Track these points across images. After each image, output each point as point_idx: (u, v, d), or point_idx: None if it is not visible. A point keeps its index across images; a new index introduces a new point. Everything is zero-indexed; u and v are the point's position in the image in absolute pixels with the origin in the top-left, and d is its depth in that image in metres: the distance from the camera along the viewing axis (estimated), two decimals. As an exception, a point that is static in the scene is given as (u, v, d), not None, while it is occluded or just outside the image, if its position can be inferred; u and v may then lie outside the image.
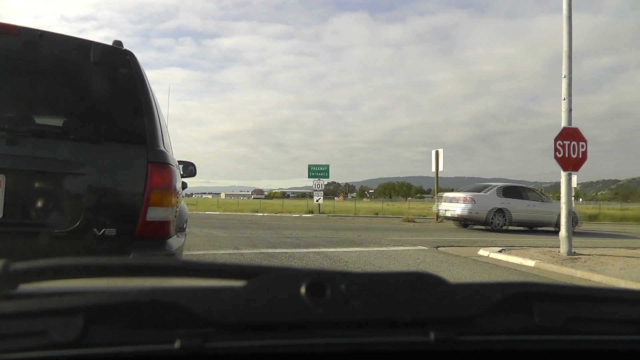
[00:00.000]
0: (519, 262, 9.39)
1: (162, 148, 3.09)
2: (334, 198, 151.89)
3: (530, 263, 9.14)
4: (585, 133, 10.15)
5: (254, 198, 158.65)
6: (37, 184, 2.82)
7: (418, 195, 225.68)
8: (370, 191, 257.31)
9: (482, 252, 10.69)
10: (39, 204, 2.81)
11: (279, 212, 35.59)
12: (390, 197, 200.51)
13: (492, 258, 10.10)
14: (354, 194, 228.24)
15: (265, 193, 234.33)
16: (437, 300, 0.84)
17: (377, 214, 35.34)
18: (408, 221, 24.38)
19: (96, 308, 0.77)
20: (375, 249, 10.97)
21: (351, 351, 0.80)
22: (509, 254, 10.11)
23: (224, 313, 0.77)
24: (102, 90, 3.05)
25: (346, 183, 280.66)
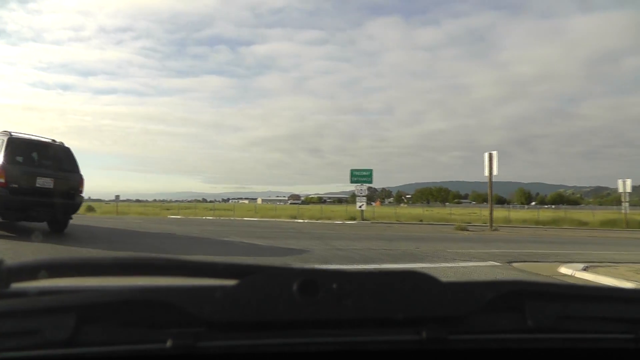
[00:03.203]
0: (613, 284, 7.69)
1: None
2: (370, 203, 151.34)
3: (629, 284, 7.59)
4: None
5: (290, 203, 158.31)
6: None
7: (455, 200, 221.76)
8: (407, 196, 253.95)
9: (565, 269, 9.21)
10: None
11: (319, 219, 34.19)
12: (428, 203, 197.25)
13: (578, 278, 8.48)
14: (391, 199, 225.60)
15: (302, 198, 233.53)
16: (429, 299, 0.85)
17: (421, 220, 33.62)
18: (461, 229, 22.57)
19: (88, 307, 0.79)
20: (443, 265, 9.47)
21: (343, 350, 0.81)
22: (596, 272, 8.62)
23: (216, 312, 0.78)
24: None
25: (382, 188, 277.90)
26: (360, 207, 30.99)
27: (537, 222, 32.07)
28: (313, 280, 0.82)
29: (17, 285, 0.86)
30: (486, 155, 23.58)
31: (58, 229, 12.08)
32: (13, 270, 0.85)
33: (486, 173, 23.59)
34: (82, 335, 0.75)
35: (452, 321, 0.85)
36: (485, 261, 10.22)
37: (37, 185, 10.84)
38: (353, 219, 31.78)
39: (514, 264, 9.95)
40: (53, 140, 12.00)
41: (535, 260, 10.75)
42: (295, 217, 38.92)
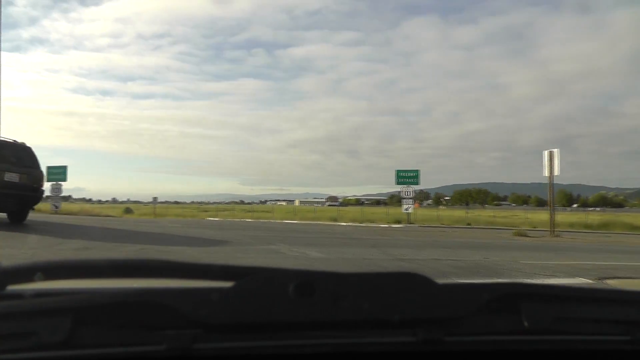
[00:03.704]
0: None
1: None
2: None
3: None
4: None
5: (328, 205, 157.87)
6: None
7: (495, 202, 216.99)
8: (445, 198, 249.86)
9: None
10: None
11: (361, 222, 32.84)
12: (467, 205, 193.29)
13: None
14: (429, 201, 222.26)
15: (339, 200, 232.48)
16: (425, 300, 0.86)
17: (469, 224, 31.92)
18: (520, 235, 20.79)
19: (85, 309, 0.79)
20: (526, 281, 7.91)
21: (339, 352, 0.82)
22: None
23: (212, 314, 0.79)
24: None
25: (420, 190, 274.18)
26: (406, 209, 29.48)
27: (586, 226, 30.04)
28: (309, 282, 0.82)
29: (13, 287, 0.87)
30: (546, 153, 21.71)
31: (18, 220, 13.20)
32: (9, 272, 0.86)
33: (545, 173, 21.73)
34: (78, 337, 0.76)
35: (448, 323, 0.85)
36: (573, 277, 8.61)
37: (6, 179, 12.04)
38: (398, 222, 30.32)
39: (609, 281, 8.36)
40: (15, 140, 13.13)
41: (630, 276, 9.13)
42: (335, 220, 38.01)
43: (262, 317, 0.80)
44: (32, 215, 14.65)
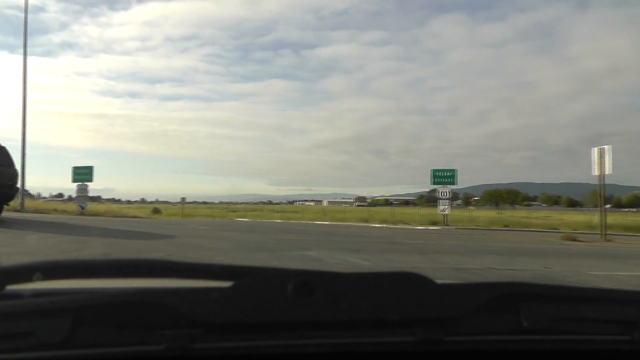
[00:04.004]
0: None
1: None
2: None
3: None
4: None
5: (356, 205, 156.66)
6: None
7: (525, 202, 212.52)
8: (474, 198, 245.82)
9: None
10: None
11: (393, 223, 31.68)
12: (497, 205, 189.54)
13: None
14: (459, 201, 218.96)
15: (368, 200, 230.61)
16: (423, 300, 0.86)
17: (507, 226, 30.41)
18: (570, 239, 19.36)
19: (84, 309, 0.79)
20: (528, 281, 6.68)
21: (338, 351, 0.82)
22: None
23: (211, 313, 0.79)
24: None
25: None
26: (442, 210, 28.18)
27: (626, 228, 28.29)
28: (308, 281, 0.83)
29: (12, 287, 0.87)
30: (595, 150, 20.25)
31: None
32: (8, 272, 0.86)
33: (595, 172, 20.27)
34: (77, 337, 0.76)
35: (447, 322, 0.86)
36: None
37: None
38: (434, 223, 29.04)
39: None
40: None
41: None
42: (366, 221, 36.89)
43: (261, 317, 0.80)
44: (53, 216, 13.97)
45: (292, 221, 35.27)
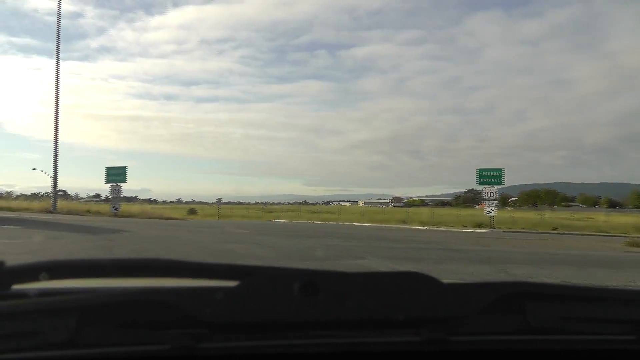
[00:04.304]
0: None
1: None
2: (474, 206, 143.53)
3: None
4: None
5: (393, 206, 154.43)
6: None
7: (563, 203, 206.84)
8: (512, 199, 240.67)
9: None
10: None
11: (437, 225, 30.38)
12: (535, 206, 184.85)
13: None
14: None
15: (404, 201, 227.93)
16: (429, 300, 0.86)
17: (555, 229, 28.69)
18: (634, 245, 17.78)
19: (89, 308, 0.79)
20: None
21: (343, 351, 0.82)
22: None
23: (217, 313, 0.79)
24: None
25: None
26: (489, 212, 26.75)
27: None
28: (314, 281, 0.83)
29: (17, 287, 0.87)
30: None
31: None
32: (14, 271, 0.86)
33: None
34: (83, 336, 0.76)
35: (453, 322, 0.85)
36: None
37: None
38: (478, 225, 27.62)
39: None
40: None
41: None
42: (406, 222, 35.66)
43: (266, 317, 0.80)
44: (84, 218, 13.27)
45: (331, 223, 34.31)
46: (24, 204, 27.87)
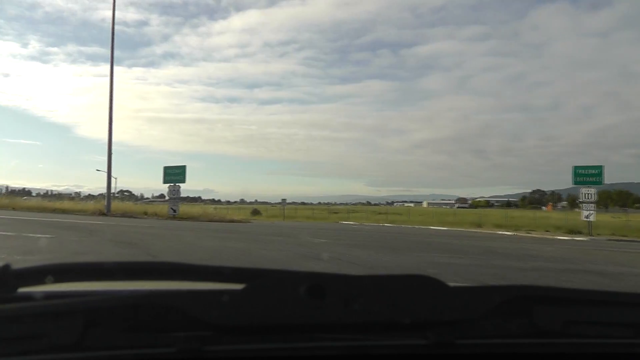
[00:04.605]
0: None
1: None
2: (541, 207, 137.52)
3: None
4: None
5: (457, 207, 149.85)
6: None
7: (636, 205, 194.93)
8: (579, 200, 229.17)
9: None
10: None
11: (514, 229, 27.39)
12: (607, 208, 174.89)
13: None
14: (564, 203, 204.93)
15: (469, 201, 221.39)
16: (436, 303, 0.86)
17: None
18: None
19: (95, 311, 0.79)
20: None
21: (350, 354, 0.82)
22: None
23: (223, 316, 0.79)
24: None
25: (551, 191, 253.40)
26: (587, 217, 23.43)
27: None
28: (320, 284, 0.82)
29: (23, 290, 0.87)
30: None
31: None
32: (20, 274, 0.86)
33: None
34: (89, 339, 0.76)
35: (459, 325, 0.85)
36: None
37: None
38: (571, 231, 24.40)
39: None
40: None
41: None
42: (479, 226, 33.21)
43: (273, 320, 0.80)
44: (137, 221, 11.44)
45: (405, 226, 32.00)
46: (78, 205, 27.00)
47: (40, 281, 0.87)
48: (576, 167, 24.21)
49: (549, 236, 22.57)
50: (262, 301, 0.81)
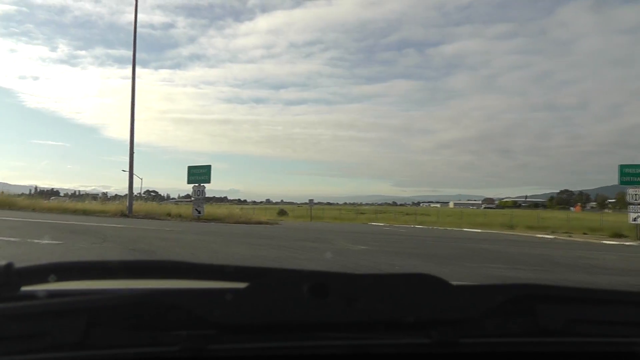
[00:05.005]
0: None
1: None
2: (569, 208, 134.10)
3: None
4: None
5: (484, 207, 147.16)
6: None
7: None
8: (609, 201, 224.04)
9: None
10: None
11: (550, 231, 26.01)
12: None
13: None
14: (593, 204, 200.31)
15: (496, 202, 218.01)
16: (439, 302, 0.86)
17: None
18: None
19: (98, 310, 0.80)
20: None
21: (353, 353, 0.82)
22: None
23: (226, 314, 0.79)
24: None
25: (579, 191, 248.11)
26: (635, 219, 21.95)
27: None
28: (323, 283, 0.82)
29: (26, 288, 0.87)
30: None
31: None
32: (22, 273, 0.86)
33: None
34: (92, 337, 0.76)
35: (462, 324, 0.85)
36: None
37: None
38: (617, 235, 22.95)
39: None
40: None
41: None
42: (512, 227, 32.04)
43: (276, 318, 0.80)
44: (159, 223, 10.63)
45: (436, 228, 30.89)
46: (100, 206, 26.26)
47: (43, 280, 0.86)
48: (622, 166, 22.67)
49: (593, 240, 21.21)
50: (265, 300, 0.81)
